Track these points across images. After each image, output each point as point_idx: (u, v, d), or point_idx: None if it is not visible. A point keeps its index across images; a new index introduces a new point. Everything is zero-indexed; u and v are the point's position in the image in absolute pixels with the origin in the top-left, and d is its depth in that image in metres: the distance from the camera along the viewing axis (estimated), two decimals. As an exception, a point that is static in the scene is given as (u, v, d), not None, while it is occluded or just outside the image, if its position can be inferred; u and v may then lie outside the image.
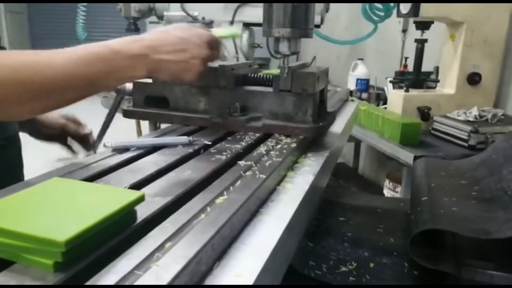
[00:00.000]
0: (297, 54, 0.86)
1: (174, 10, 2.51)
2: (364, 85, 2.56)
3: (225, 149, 0.72)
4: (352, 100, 1.52)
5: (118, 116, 1.00)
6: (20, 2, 7.21)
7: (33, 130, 1.03)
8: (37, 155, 0.90)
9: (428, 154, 1.57)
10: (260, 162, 0.66)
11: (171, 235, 0.43)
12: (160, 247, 0.40)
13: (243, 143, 0.76)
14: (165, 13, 2.55)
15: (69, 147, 1.06)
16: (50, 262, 0.35)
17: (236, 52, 2.45)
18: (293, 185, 0.65)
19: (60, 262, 0.35)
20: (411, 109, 1.91)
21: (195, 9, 2.45)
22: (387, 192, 2.39)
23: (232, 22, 2.40)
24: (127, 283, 0.35)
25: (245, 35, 2.46)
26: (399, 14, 1.91)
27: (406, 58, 2.41)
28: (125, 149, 0.72)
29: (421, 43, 2.02)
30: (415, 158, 1.50)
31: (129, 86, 0.91)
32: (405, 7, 1.85)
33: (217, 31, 0.89)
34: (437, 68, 2.15)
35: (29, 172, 0.90)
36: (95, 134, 1.06)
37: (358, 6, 2.53)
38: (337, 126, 1.02)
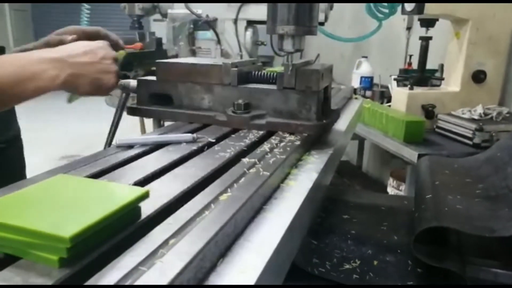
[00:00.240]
0: (301, 52, 0.86)
1: (178, 8, 2.51)
2: (368, 83, 2.56)
3: (229, 146, 0.72)
4: (356, 98, 1.52)
5: (122, 113, 1.01)
6: (25, 2, 7.24)
7: None
8: (40, 153, 0.90)
9: (432, 152, 1.57)
10: (263, 160, 0.66)
11: (175, 231, 0.43)
12: (164, 244, 0.40)
13: (247, 141, 0.76)
14: (169, 11, 2.55)
15: None
16: (55, 257, 0.35)
17: (240, 50, 2.46)
18: (297, 182, 0.65)
19: (65, 257, 0.35)
20: (415, 107, 1.90)
21: (199, 7, 2.45)
22: (391, 190, 2.39)
23: (236, 20, 2.40)
24: (131, 279, 0.35)
25: (249, 33, 2.46)
26: (403, 12, 1.90)
27: (410, 56, 2.40)
28: (129, 146, 0.72)
29: (425, 40, 2.01)
30: (419, 156, 1.50)
31: (133, 83, 0.91)
32: (409, 5, 1.84)
33: None
34: (441, 66, 2.14)
35: (32, 170, 0.90)
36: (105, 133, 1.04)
37: (362, 6, 2.52)
38: (341, 124, 1.02)
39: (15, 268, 0.36)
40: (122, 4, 2.63)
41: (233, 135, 0.80)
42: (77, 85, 0.68)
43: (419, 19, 2.00)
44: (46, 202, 0.42)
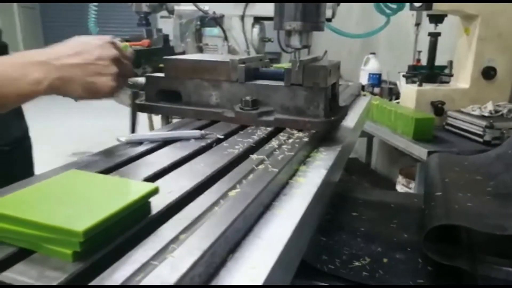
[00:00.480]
0: (309, 48, 0.85)
1: (185, 4, 2.51)
2: (376, 79, 2.54)
3: (237, 143, 0.72)
4: (365, 95, 1.51)
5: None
6: (33, 2, 7.29)
7: None
8: (50, 149, 0.90)
9: (442, 149, 1.56)
10: (272, 156, 0.66)
11: (185, 227, 0.43)
12: (175, 239, 0.41)
13: (255, 137, 0.76)
14: (176, 8, 2.55)
15: None
16: (69, 251, 0.36)
17: (247, 47, 2.45)
18: (306, 179, 0.65)
19: (78, 251, 0.36)
20: (424, 104, 1.88)
21: (206, 3, 2.45)
22: (400, 188, 2.37)
23: (243, 17, 2.40)
24: (143, 273, 0.35)
25: (256, 29, 2.46)
26: (412, 7, 1.88)
27: (419, 52, 2.38)
28: (139, 143, 0.73)
29: (434, 36, 2.00)
30: (429, 153, 1.49)
31: (141, 80, 0.92)
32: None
33: None
34: (451, 62, 2.12)
35: (43, 167, 0.91)
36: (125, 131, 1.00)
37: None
38: (350, 121, 1.01)
39: (30, 261, 0.37)
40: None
41: (241, 132, 0.81)
42: (67, 90, 0.62)
43: (427, 15, 1.98)
44: (59, 197, 0.43)
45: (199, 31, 2.55)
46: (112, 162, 0.62)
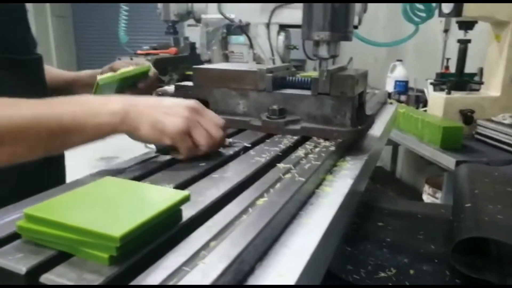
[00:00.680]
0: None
1: (212, 13, 2.56)
2: (403, 87, 2.51)
3: (264, 151, 0.74)
4: (391, 103, 1.49)
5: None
6: (63, 2, 7.50)
7: None
8: (77, 155, 0.93)
9: (471, 159, 1.52)
10: (298, 165, 0.67)
11: (215, 234, 0.44)
12: (205, 246, 0.42)
13: (282, 146, 0.77)
14: (202, 16, 2.61)
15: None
16: (106, 255, 0.37)
17: (272, 54, 2.47)
18: (332, 188, 0.65)
19: (114, 256, 0.38)
20: (453, 112, 1.84)
21: (232, 11, 2.49)
22: (426, 198, 2.32)
23: (268, 24, 2.42)
24: (176, 279, 0.36)
25: (281, 37, 2.47)
26: (441, 14, 1.85)
27: (447, 59, 2.34)
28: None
29: (464, 43, 1.95)
30: (457, 163, 1.45)
31: (171, 89, 0.95)
32: (447, 7, 1.79)
33: (126, 70, 0.91)
34: (481, 70, 2.07)
35: (72, 172, 0.93)
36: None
37: (396, 5, 2.47)
38: (376, 129, 1.01)
39: (68, 264, 0.39)
40: (158, 10, 2.72)
41: (267, 140, 0.82)
42: (138, 124, 0.62)
43: (457, 22, 1.95)
44: (95, 203, 0.45)
45: (225, 39, 2.58)
46: (143, 169, 0.64)
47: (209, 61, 2.56)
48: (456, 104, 1.85)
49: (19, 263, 0.39)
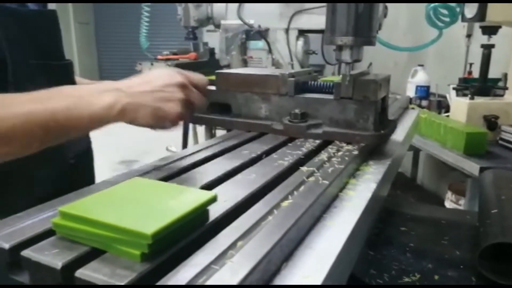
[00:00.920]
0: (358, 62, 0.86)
1: (231, 18, 2.59)
2: (424, 92, 2.47)
3: (286, 155, 0.74)
4: (413, 108, 1.48)
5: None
6: (85, 2, 7.65)
7: None
8: (99, 158, 0.94)
9: (495, 165, 1.49)
10: (322, 169, 0.67)
11: (241, 234, 0.45)
12: (233, 245, 0.43)
13: (304, 149, 0.77)
14: (222, 22, 2.64)
15: None
16: (138, 252, 0.39)
17: (291, 59, 2.48)
18: (356, 192, 0.65)
19: (146, 253, 0.39)
20: (476, 118, 1.81)
21: (251, 17, 2.51)
22: (449, 204, 2.28)
23: (287, 30, 2.43)
24: (205, 276, 0.37)
25: (300, 42, 2.48)
26: (464, 19, 1.83)
27: (470, 64, 2.30)
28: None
29: (487, 48, 1.92)
30: (481, 169, 1.42)
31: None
32: (470, 11, 1.77)
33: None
34: (505, 75, 2.02)
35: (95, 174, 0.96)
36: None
37: (417, 10, 2.44)
38: (398, 134, 1.00)
39: (102, 260, 0.40)
40: (178, 16, 2.76)
41: (289, 144, 0.82)
42: (137, 116, 0.63)
43: (480, 27, 1.92)
44: (126, 202, 0.46)
45: (244, 44, 2.61)
46: (170, 171, 0.66)
47: (228, 66, 2.58)
48: (479, 109, 1.82)
49: (55, 258, 0.40)
